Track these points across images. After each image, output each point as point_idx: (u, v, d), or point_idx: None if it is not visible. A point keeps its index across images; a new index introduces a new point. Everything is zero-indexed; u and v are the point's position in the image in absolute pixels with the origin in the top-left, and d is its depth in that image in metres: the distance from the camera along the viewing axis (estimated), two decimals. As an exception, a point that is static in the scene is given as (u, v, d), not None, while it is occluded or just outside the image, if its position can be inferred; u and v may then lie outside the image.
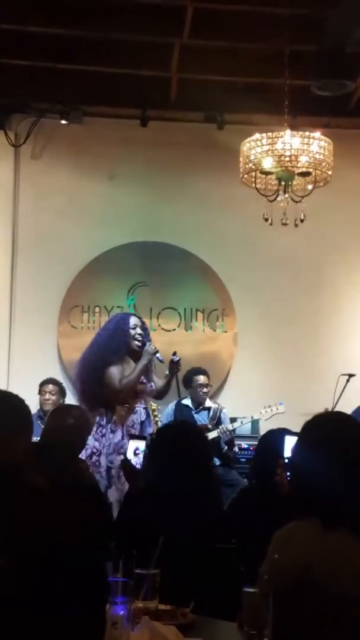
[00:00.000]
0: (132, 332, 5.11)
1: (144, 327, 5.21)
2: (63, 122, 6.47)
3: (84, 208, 6.70)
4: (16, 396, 2.46)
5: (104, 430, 5.05)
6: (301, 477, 2.00)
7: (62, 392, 6.06)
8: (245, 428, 5.85)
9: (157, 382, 5.16)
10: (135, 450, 3.36)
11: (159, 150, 6.66)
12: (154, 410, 5.27)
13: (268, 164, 5.03)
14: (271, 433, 3.53)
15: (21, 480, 1.07)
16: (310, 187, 5.16)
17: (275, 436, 3.37)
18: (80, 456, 3.81)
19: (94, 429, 4.89)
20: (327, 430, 2.02)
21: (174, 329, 6.65)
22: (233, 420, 5.79)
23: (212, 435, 5.56)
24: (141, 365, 5.03)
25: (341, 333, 6.79)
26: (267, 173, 5.12)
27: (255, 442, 4.64)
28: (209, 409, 5.90)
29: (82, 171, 6.72)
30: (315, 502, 1.90)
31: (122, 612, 1.80)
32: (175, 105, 6.51)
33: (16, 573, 0.93)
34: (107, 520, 3.24)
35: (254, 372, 6.64)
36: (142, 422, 5.07)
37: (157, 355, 5.07)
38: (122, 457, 4.74)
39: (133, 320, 5.17)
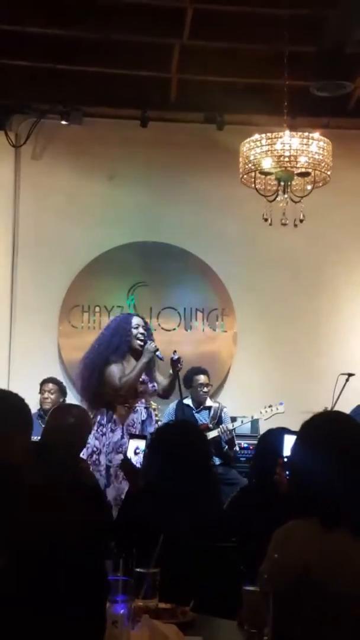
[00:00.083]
0: (135, 331, 5.14)
1: (146, 328, 5.25)
2: (63, 122, 6.48)
3: (84, 208, 6.70)
4: (16, 395, 2.47)
5: (104, 430, 5.07)
6: (300, 476, 2.00)
7: (62, 391, 6.07)
8: (245, 427, 5.86)
9: (162, 381, 5.20)
10: (135, 450, 3.37)
11: (159, 150, 6.67)
12: (154, 410, 5.28)
13: (267, 164, 5.04)
14: (270, 432, 3.54)
15: (21, 479, 1.08)
16: (309, 187, 5.17)
17: (275, 435, 3.38)
18: (81, 455, 3.82)
19: (95, 428, 4.91)
20: (326, 429, 2.03)
21: (174, 329, 6.66)
22: (233, 419, 5.80)
23: (212, 434, 5.57)
24: (141, 364, 5.06)
25: (340, 333, 6.80)
26: (266, 173, 5.13)
27: (255, 441, 4.65)
28: (209, 408, 5.91)
29: (82, 171, 6.73)
30: (314, 502, 1.91)
31: (122, 611, 1.81)
32: (175, 106, 6.51)
33: (16, 573, 0.94)
34: (107, 520, 3.25)
35: (253, 372, 6.65)
36: (142, 422, 5.08)
37: (157, 353, 5.09)
38: (121, 456, 4.77)
39: (136, 320, 5.21)
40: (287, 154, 4.99)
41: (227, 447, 5.68)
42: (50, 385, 6.02)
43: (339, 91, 5.68)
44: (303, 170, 5.10)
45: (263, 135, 5.06)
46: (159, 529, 2.28)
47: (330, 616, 1.78)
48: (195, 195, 6.69)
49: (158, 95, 6.42)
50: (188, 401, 5.84)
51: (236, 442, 5.77)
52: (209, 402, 5.95)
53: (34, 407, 5.65)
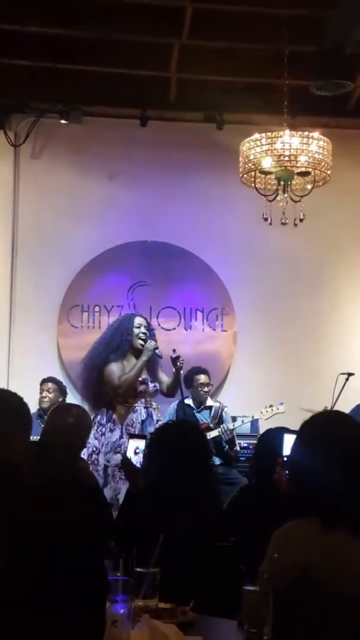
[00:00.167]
0: (137, 330, 5.18)
1: (149, 328, 5.28)
2: (63, 121, 6.48)
3: (83, 207, 6.70)
4: (15, 395, 2.47)
5: (103, 429, 5.08)
6: (300, 476, 2.00)
7: (61, 391, 6.07)
8: (245, 427, 5.86)
9: (166, 380, 5.22)
10: (135, 449, 3.37)
11: (159, 150, 6.67)
12: (154, 410, 5.29)
13: (267, 163, 5.04)
14: (270, 432, 3.54)
15: (20, 479, 1.08)
16: (309, 186, 5.17)
17: (274, 435, 3.38)
18: (81, 455, 3.82)
19: (95, 427, 4.91)
20: (326, 429, 2.03)
21: (174, 328, 6.66)
22: (234, 419, 5.80)
23: (213, 434, 5.58)
24: (141, 362, 5.08)
25: (340, 332, 6.80)
26: (266, 173, 5.13)
27: (255, 441, 4.65)
28: (210, 408, 5.92)
29: (81, 171, 6.73)
30: (314, 502, 1.91)
31: (122, 611, 1.81)
32: (174, 105, 6.51)
33: (16, 573, 0.94)
34: (107, 520, 3.25)
35: (253, 371, 6.65)
36: (142, 422, 5.09)
37: (156, 351, 5.11)
38: (119, 456, 4.79)
39: (138, 320, 5.25)
40: (287, 153, 4.99)
41: (227, 446, 5.68)
42: (50, 385, 6.02)
43: (339, 90, 5.68)
44: (303, 169, 5.09)
45: (263, 134, 5.06)
46: (159, 528, 2.28)
47: (330, 616, 1.78)
48: (195, 194, 6.69)
49: (158, 95, 6.42)
50: (189, 401, 5.84)
51: (236, 441, 5.77)
52: (209, 402, 5.96)
53: (33, 407, 5.65)
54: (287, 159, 5.00)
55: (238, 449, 5.81)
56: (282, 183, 5.12)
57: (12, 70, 6.03)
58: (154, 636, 1.86)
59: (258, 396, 6.13)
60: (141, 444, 3.36)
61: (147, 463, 3.11)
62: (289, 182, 5.12)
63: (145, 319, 5.44)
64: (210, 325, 6.73)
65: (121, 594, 1.84)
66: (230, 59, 5.90)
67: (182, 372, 5.28)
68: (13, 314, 6.55)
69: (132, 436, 3.96)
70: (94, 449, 4.98)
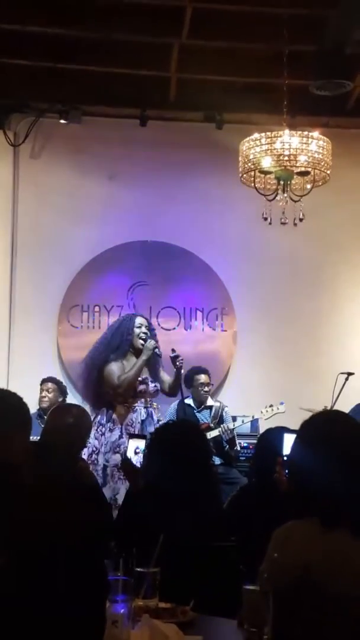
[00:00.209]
0: (137, 330, 5.20)
1: (150, 328, 5.30)
2: (62, 121, 6.48)
3: (83, 207, 6.70)
4: (14, 394, 2.47)
5: (103, 429, 5.09)
6: (300, 476, 2.00)
7: (61, 391, 6.07)
8: (245, 426, 5.87)
9: (167, 379, 5.23)
10: (135, 449, 3.37)
11: (158, 149, 6.67)
12: (155, 409, 5.29)
13: (267, 163, 5.04)
14: (269, 431, 3.55)
15: (20, 479, 1.08)
16: (309, 186, 5.17)
17: (274, 434, 3.39)
18: (81, 455, 3.82)
19: (95, 427, 4.92)
20: (326, 429, 2.03)
21: (174, 328, 6.66)
22: (234, 419, 5.81)
23: (213, 433, 5.58)
24: (140, 361, 5.09)
25: (340, 332, 6.80)
26: (266, 172, 5.13)
27: (255, 441, 4.65)
28: (211, 407, 5.92)
29: (81, 171, 6.72)
30: (314, 502, 1.91)
31: (122, 610, 1.81)
32: (174, 105, 6.51)
33: (16, 573, 0.94)
34: (107, 519, 3.25)
35: (253, 371, 6.65)
36: (142, 421, 5.10)
37: (156, 350, 5.13)
38: (118, 455, 4.80)
39: (139, 320, 5.27)
40: (286, 152, 4.99)
41: (227, 446, 5.69)
42: (49, 385, 6.02)
43: (339, 90, 5.68)
44: (303, 169, 5.09)
45: (262, 134, 5.05)
46: (159, 528, 2.28)
47: (330, 616, 1.78)
48: (195, 194, 6.69)
49: (157, 95, 6.42)
50: (189, 401, 5.85)
51: (237, 441, 5.77)
52: (210, 402, 5.96)
53: (33, 407, 5.65)
54: (286, 158, 5.00)
55: (238, 448, 5.81)
56: (281, 183, 5.12)
57: (12, 70, 6.03)
58: (154, 636, 1.86)
59: (258, 396, 6.13)
60: (141, 443, 3.36)
61: (147, 463, 3.11)
62: (289, 182, 5.12)
63: (146, 318, 5.46)
64: (210, 325, 6.73)
65: (121, 593, 1.84)
66: (230, 59, 5.90)
67: (182, 371, 5.29)
68: (13, 313, 6.55)
69: (132, 436, 3.96)
70: (94, 448, 4.99)
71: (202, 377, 5.93)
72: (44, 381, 6.05)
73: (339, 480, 1.89)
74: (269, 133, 5.05)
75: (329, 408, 5.12)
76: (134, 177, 6.71)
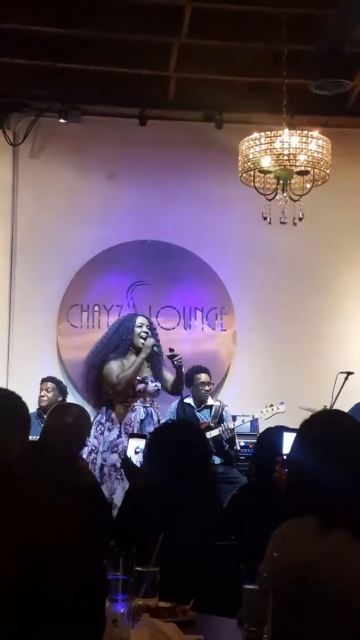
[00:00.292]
0: (138, 329, 5.22)
1: (151, 327, 5.31)
2: (62, 121, 6.47)
3: (83, 207, 6.70)
4: (14, 394, 2.47)
5: (102, 428, 5.10)
6: (299, 475, 2.00)
7: (60, 391, 6.06)
8: (244, 426, 5.87)
9: (170, 378, 5.23)
10: (135, 449, 3.37)
11: (158, 149, 6.66)
12: (155, 409, 5.30)
13: (266, 162, 5.04)
14: (269, 431, 3.55)
15: (19, 478, 1.08)
16: (308, 185, 5.17)
17: (273, 434, 3.39)
18: (80, 453, 3.82)
19: (94, 426, 4.92)
20: (326, 429, 2.03)
21: (173, 328, 6.65)
22: (234, 418, 5.81)
23: (214, 433, 5.58)
24: (140, 359, 5.11)
25: (340, 331, 6.80)
26: (265, 172, 5.13)
27: (254, 440, 4.65)
28: (211, 407, 5.92)
29: (80, 170, 6.72)
30: (313, 501, 1.91)
31: (122, 610, 1.81)
32: (173, 105, 6.51)
33: (15, 572, 0.94)
34: (106, 518, 3.25)
35: (253, 370, 6.65)
36: (141, 421, 5.10)
37: (154, 347, 5.14)
38: (115, 455, 4.80)
39: (140, 320, 5.29)
40: (286, 152, 4.99)
41: (227, 445, 5.68)
42: (49, 384, 6.02)
43: (338, 89, 5.69)
44: (302, 168, 5.09)
45: (262, 133, 5.06)
46: (159, 527, 2.28)
47: (330, 615, 1.78)
48: (194, 193, 6.69)
49: (157, 94, 6.42)
50: (189, 400, 5.85)
51: (236, 440, 5.77)
52: (210, 401, 5.96)
53: (33, 407, 5.65)
54: (286, 158, 5.00)
55: (238, 448, 5.81)
56: (281, 182, 5.12)
57: (11, 69, 6.02)
58: (154, 635, 1.85)
59: (257, 395, 6.13)
60: (141, 443, 3.37)
61: (146, 462, 3.11)
62: (288, 181, 5.12)
63: (147, 318, 5.48)
64: (210, 324, 6.73)
65: (121, 593, 1.84)
66: (229, 58, 5.90)
67: (183, 369, 5.30)
68: (12, 313, 6.54)
69: (132, 435, 3.97)
70: (93, 447, 4.99)
71: (203, 376, 5.93)
72: (43, 381, 6.05)
73: (338, 480, 1.89)
74: (268, 132, 5.05)
75: (328, 407, 5.12)
76: (133, 176, 6.71)
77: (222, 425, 5.70)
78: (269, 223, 5.15)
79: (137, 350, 5.19)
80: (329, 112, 6.45)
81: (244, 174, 5.21)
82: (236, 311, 6.72)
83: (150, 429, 4.87)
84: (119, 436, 5.01)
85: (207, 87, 6.22)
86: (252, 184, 5.18)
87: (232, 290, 6.73)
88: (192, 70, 6.07)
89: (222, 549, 2.64)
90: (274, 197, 5.15)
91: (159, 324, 6.54)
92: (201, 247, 6.72)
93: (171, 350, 5.19)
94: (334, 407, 5.15)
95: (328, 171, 5.14)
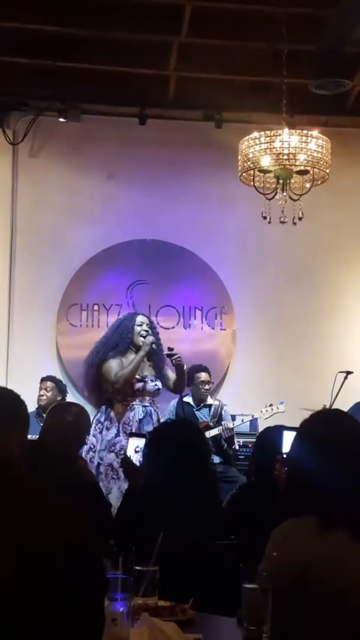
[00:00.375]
0: (138, 328, 5.23)
1: (151, 326, 5.32)
2: (61, 120, 6.46)
3: (82, 206, 6.69)
4: (12, 392, 2.46)
5: (101, 427, 5.10)
6: (299, 475, 2.00)
7: (60, 390, 6.06)
8: (244, 425, 5.87)
9: (172, 377, 5.24)
10: (135, 448, 3.38)
11: (158, 148, 6.66)
12: (154, 408, 5.30)
13: (266, 162, 5.04)
14: (268, 430, 3.56)
15: (18, 478, 1.08)
16: (308, 185, 5.16)
17: (273, 433, 3.40)
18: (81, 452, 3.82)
19: (94, 425, 4.92)
20: (325, 428, 2.03)
21: (173, 327, 6.65)
22: (233, 418, 5.81)
23: (213, 432, 5.58)
24: (138, 357, 5.12)
25: (339, 331, 6.80)
26: (265, 171, 5.12)
27: (254, 440, 4.65)
28: (210, 406, 5.92)
29: (80, 169, 6.72)
30: (313, 500, 1.91)
31: (121, 609, 1.81)
32: (173, 104, 6.50)
33: (14, 572, 0.94)
34: (105, 517, 3.25)
35: (252, 370, 6.65)
36: (140, 420, 5.10)
37: (153, 345, 5.16)
38: (112, 455, 4.81)
39: (140, 319, 5.31)
40: (285, 151, 4.99)
41: (226, 445, 5.69)
42: (48, 383, 6.02)
43: (338, 89, 5.69)
44: (302, 168, 5.09)
45: (262, 133, 5.05)
46: (158, 526, 2.28)
47: (329, 614, 1.78)
48: (194, 193, 6.69)
49: (156, 93, 6.41)
50: (188, 399, 5.85)
51: (235, 440, 5.77)
52: (209, 400, 5.96)
53: (32, 406, 5.66)
54: (286, 157, 5.00)
55: (236, 447, 5.82)
56: (281, 181, 5.12)
57: (11, 68, 6.02)
58: (153, 634, 1.85)
59: (257, 394, 6.13)
60: (141, 442, 3.37)
61: (145, 462, 3.11)
62: (288, 181, 5.12)
63: (147, 317, 5.48)
64: (209, 323, 6.73)
65: (120, 592, 1.84)
66: (229, 58, 5.90)
67: (185, 368, 5.30)
68: (11, 312, 6.54)
69: (132, 435, 3.97)
70: (91, 446, 5.00)
71: (203, 375, 5.93)
72: (43, 380, 6.05)
73: (338, 480, 1.89)
74: (268, 132, 5.05)
75: (328, 407, 5.12)
76: (132, 175, 6.71)
77: (222, 424, 5.70)
78: (269, 222, 5.15)
79: (138, 349, 5.21)
80: (329, 112, 6.45)
81: (244, 174, 5.21)
82: (235, 310, 6.72)
83: (148, 428, 4.87)
84: (117, 435, 5.01)
85: (207, 86, 6.21)
86: (252, 183, 5.18)
87: (232, 289, 6.72)
88: (191, 70, 6.06)
89: (222, 548, 2.64)
90: (274, 196, 5.15)
91: (158, 323, 6.53)
92: (200, 246, 6.72)
93: (170, 349, 5.20)
94: (334, 407, 5.15)
95: (328, 171, 5.14)
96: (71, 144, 6.69)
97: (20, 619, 0.94)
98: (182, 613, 2.11)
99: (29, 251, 6.62)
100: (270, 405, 5.68)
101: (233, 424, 5.71)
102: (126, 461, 3.33)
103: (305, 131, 5.07)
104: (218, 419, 5.81)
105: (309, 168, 5.09)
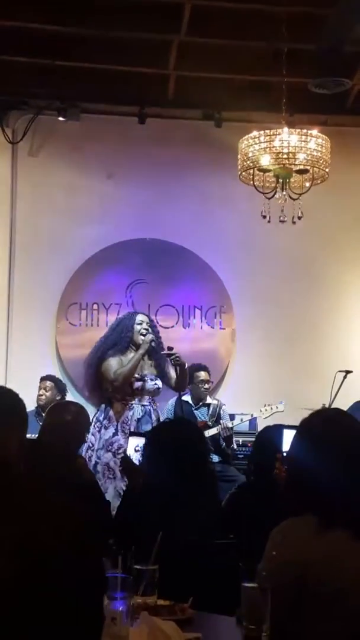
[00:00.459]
0: (138, 327, 5.24)
1: (152, 325, 5.32)
2: (61, 119, 6.46)
3: (81, 205, 6.69)
4: (11, 392, 2.46)
5: (100, 426, 5.11)
6: (298, 474, 2.00)
7: (59, 389, 6.06)
8: (242, 425, 5.87)
9: (174, 375, 5.24)
10: (135, 447, 3.38)
11: (157, 147, 6.66)
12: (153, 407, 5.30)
13: (266, 161, 5.04)
14: (267, 429, 3.56)
15: (17, 477, 1.08)
16: (307, 184, 5.17)
17: (272, 431, 3.40)
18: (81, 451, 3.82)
19: (93, 424, 4.93)
20: (325, 427, 2.03)
21: (172, 326, 6.65)
22: (232, 417, 5.81)
23: (212, 432, 5.58)
24: (138, 355, 5.12)
25: (339, 330, 6.80)
26: (264, 170, 5.12)
27: (253, 439, 4.65)
28: (208, 405, 5.92)
29: (79, 168, 6.72)
30: (312, 499, 1.91)
31: (121, 608, 1.81)
32: (173, 103, 6.50)
33: (14, 572, 0.93)
34: (105, 516, 3.25)
35: (251, 369, 6.65)
36: (138, 419, 5.10)
37: (153, 343, 5.16)
38: (110, 454, 4.81)
39: (140, 318, 5.31)
40: (285, 151, 4.99)
41: (224, 444, 5.68)
42: (47, 383, 6.02)
43: (338, 88, 5.69)
44: (301, 167, 5.09)
45: (261, 132, 5.05)
46: (158, 526, 2.28)
47: (328, 614, 1.78)
48: (194, 192, 6.69)
49: (156, 92, 6.41)
50: (187, 398, 5.85)
51: (234, 439, 5.77)
52: (208, 399, 5.96)
53: (31, 405, 5.66)
54: (285, 156, 5.00)
55: (235, 446, 5.82)
56: (280, 181, 5.12)
57: (10, 67, 6.01)
58: (152, 633, 1.85)
59: (256, 394, 6.13)
60: (141, 441, 3.37)
61: (145, 461, 3.11)
62: (288, 180, 5.12)
63: (147, 316, 5.49)
64: (209, 323, 6.73)
65: (120, 591, 1.84)
66: (229, 57, 5.90)
67: (185, 367, 5.30)
68: (11, 312, 6.54)
69: (132, 434, 3.98)
70: (90, 444, 5.00)
71: (202, 374, 5.93)
72: (42, 379, 6.05)
73: (337, 479, 1.89)
74: (267, 131, 5.05)
75: (327, 406, 5.12)
76: (132, 174, 6.70)
77: (221, 423, 5.70)
78: (268, 221, 5.15)
79: (137, 347, 5.21)
80: (329, 111, 6.45)
81: (243, 173, 5.21)
82: (235, 310, 6.72)
83: (147, 427, 4.86)
84: (115, 434, 5.01)
85: (207, 85, 6.21)
86: (252, 182, 5.18)
87: (231, 288, 6.72)
88: (191, 69, 6.06)
89: (221, 547, 2.64)
90: (273, 195, 5.15)
91: (157, 322, 6.54)
92: (200, 245, 6.72)
93: (170, 348, 5.19)
94: (333, 406, 5.15)
95: (327, 170, 5.14)
96: (71, 143, 6.68)
97: (20, 619, 0.94)
98: (181, 612, 2.11)
99: (28, 250, 6.62)
100: (270, 404, 5.68)
101: (232, 424, 5.71)
102: (126, 460, 3.33)
103: (304, 130, 5.07)
104: (216, 418, 5.81)
105: (308, 167, 5.10)
